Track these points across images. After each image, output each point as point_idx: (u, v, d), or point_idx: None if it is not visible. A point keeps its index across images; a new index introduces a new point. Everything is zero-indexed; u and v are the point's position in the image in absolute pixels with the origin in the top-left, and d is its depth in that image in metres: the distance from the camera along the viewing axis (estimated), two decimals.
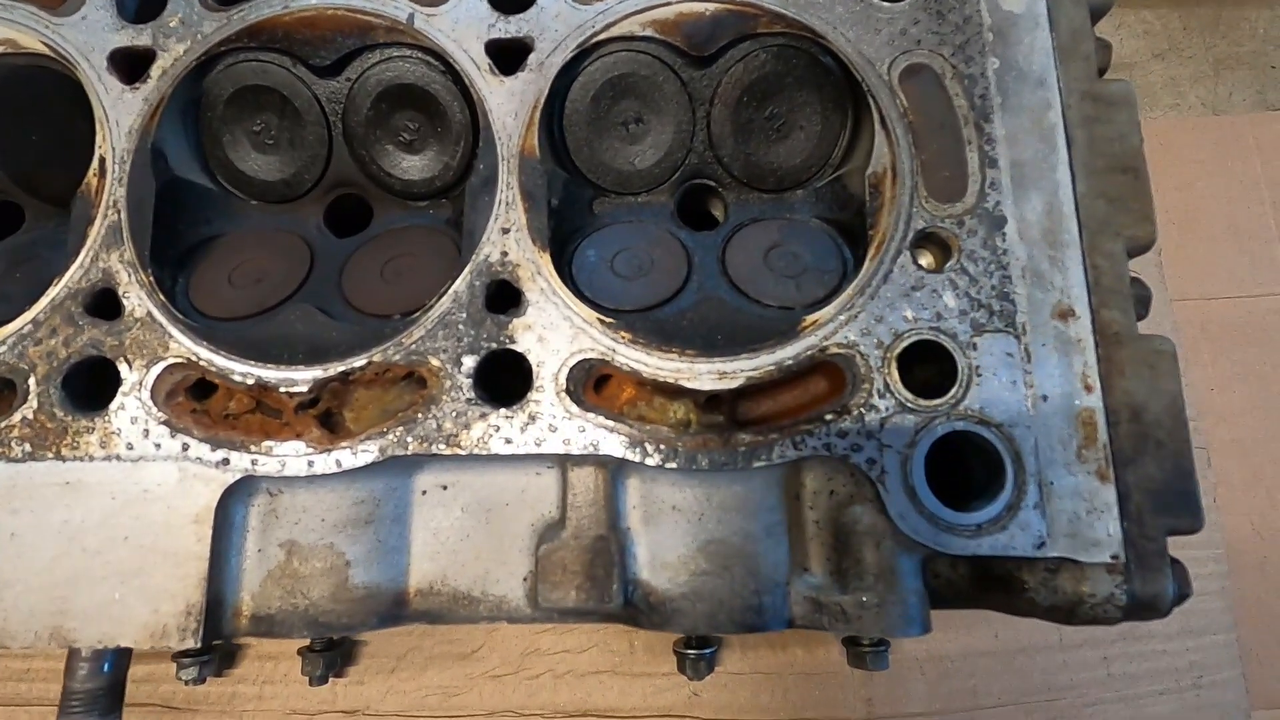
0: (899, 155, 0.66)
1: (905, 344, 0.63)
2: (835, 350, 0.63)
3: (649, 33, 0.70)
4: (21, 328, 0.65)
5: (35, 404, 0.64)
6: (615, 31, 0.69)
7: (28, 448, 0.63)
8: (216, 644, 1.11)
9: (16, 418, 0.64)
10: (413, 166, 0.75)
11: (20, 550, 0.62)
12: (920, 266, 0.65)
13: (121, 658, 0.66)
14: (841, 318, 0.63)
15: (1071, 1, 0.70)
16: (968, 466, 0.64)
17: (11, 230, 0.78)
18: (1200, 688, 1.30)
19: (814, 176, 0.74)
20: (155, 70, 0.70)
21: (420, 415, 0.63)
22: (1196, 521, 0.61)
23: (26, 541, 0.62)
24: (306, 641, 1.09)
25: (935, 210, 0.65)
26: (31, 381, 0.64)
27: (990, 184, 0.66)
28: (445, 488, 0.68)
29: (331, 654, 1.07)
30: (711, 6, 0.69)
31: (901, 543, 0.60)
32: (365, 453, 0.63)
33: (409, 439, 0.63)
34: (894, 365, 0.62)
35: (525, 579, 0.66)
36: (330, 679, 1.09)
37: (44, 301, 0.66)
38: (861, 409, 0.62)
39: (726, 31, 0.70)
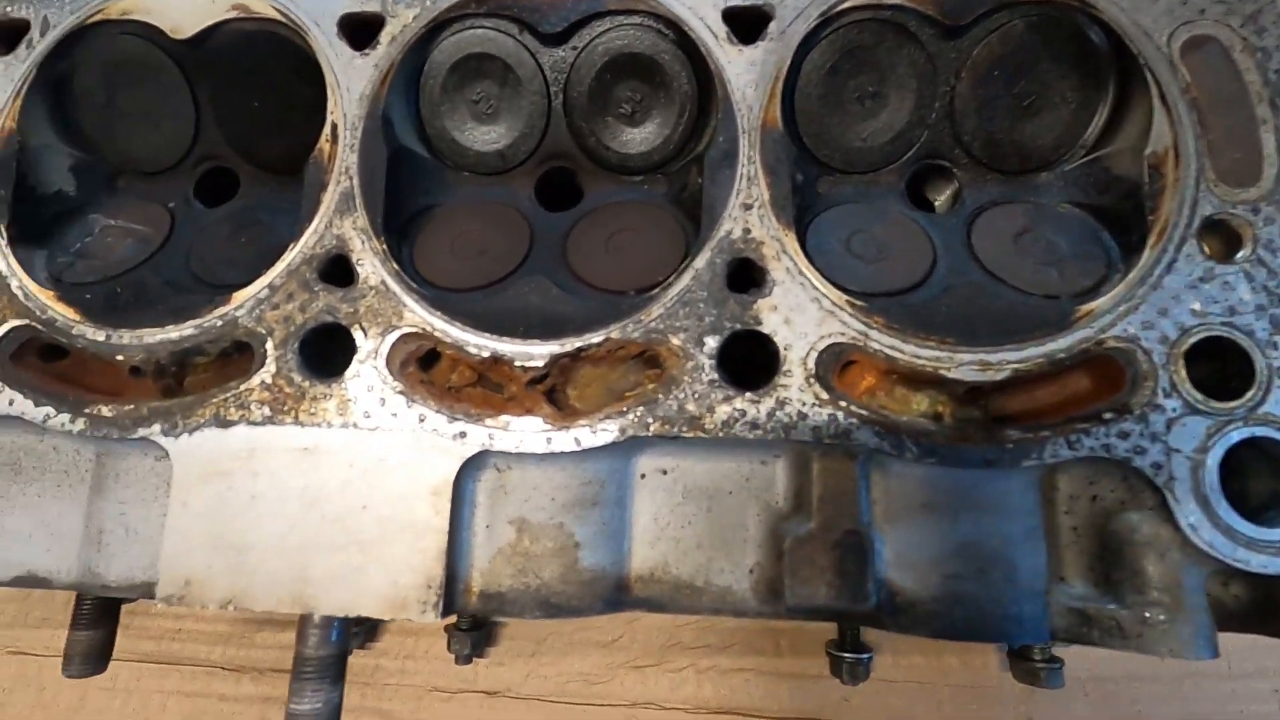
0: (1182, 134, 0.61)
1: (1194, 340, 0.57)
2: (1113, 344, 0.58)
3: (900, 1, 0.66)
4: (258, 292, 0.65)
5: (274, 368, 0.64)
6: (861, 0, 0.65)
7: (267, 411, 0.63)
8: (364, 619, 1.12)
9: (255, 381, 0.64)
10: (631, 140, 0.72)
11: (261, 514, 0.62)
12: (1209, 255, 0.59)
13: (347, 627, 0.66)
14: (1121, 309, 0.58)
15: None
16: (1243, 477, 0.59)
17: (226, 196, 0.78)
18: None
19: (1063, 158, 0.68)
20: (385, 36, 0.69)
21: (661, 396, 0.61)
22: None
23: (268, 505, 0.62)
24: (452, 619, 1.10)
25: (1226, 195, 0.60)
26: (269, 345, 0.64)
27: None
28: (665, 472, 0.66)
29: (479, 633, 1.07)
30: None
31: (1190, 556, 0.55)
32: (605, 432, 0.61)
33: (650, 420, 0.60)
34: (1182, 362, 0.57)
35: (751, 570, 0.63)
36: (473, 659, 1.09)
37: (280, 266, 0.65)
38: (1145, 409, 0.57)
39: None
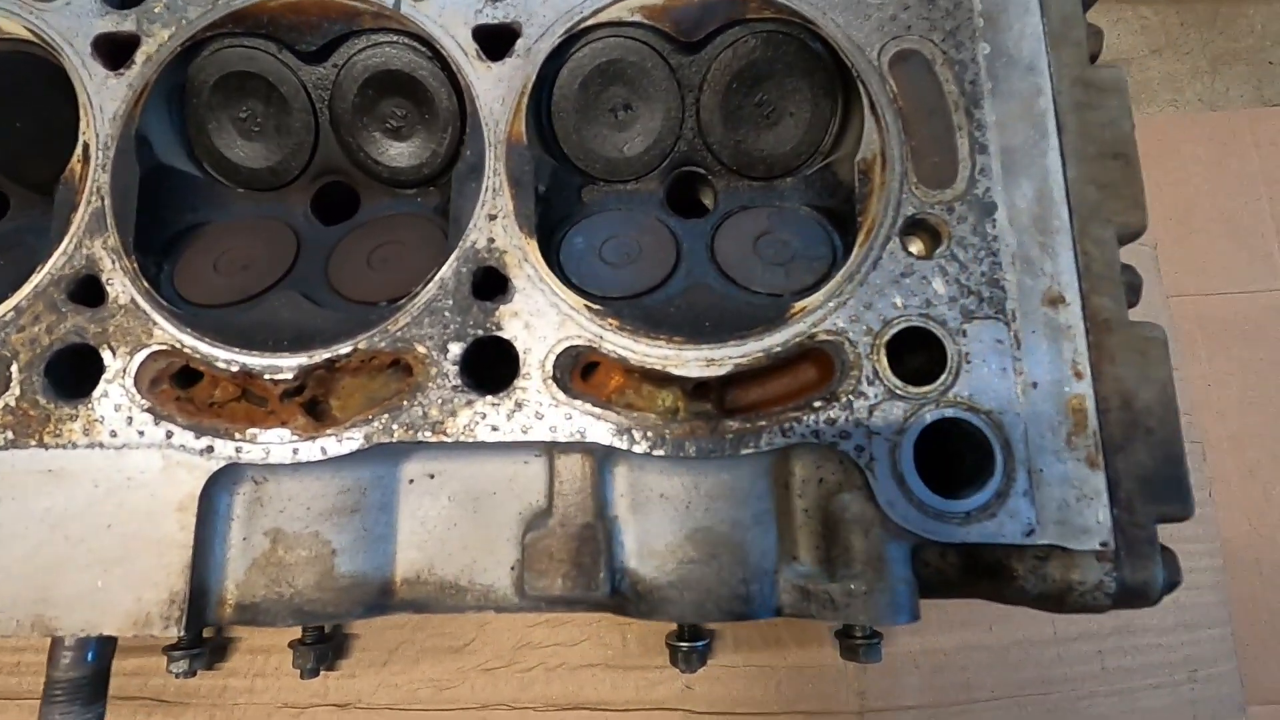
0: (889, 141, 0.66)
1: (894, 331, 0.62)
2: (824, 337, 0.62)
3: (638, 18, 0.69)
4: (4, 314, 0.65)
5: (18, 391, 0.63)
6: (604, 17, 0.69)
7: (10, 435, 0.62)
8: (207, 637, 1.10)
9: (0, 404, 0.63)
10: (400, 154, 0.74)
11: (1, 538, 0.61)
12: (910, 253, 0.64)
13: (105, 647, 0.66)
14: (830, 304, 0.63)
15: None
16: (957, 454, 0.64)
17: None
18: (1195, 682, 1.30)
19: (804, 164, 0.73)
20: (140, 56, 0.69)
21: (406, 403, 0.62)
22: (1186, 508, 0.60)
23: (8, 529, 0.61)
24: (297, 634, 1.09)
25: (925, 196, 0.65)
26: (14, 369, 0.63)
27: (980, 170, 0.65)
28: (432, 476, 0.67)
29: (323, 647, 1.06)
30: None
31: (890, 530, 0.60)
32: (350, 440, 0.62)
33: (395, 426, 0.62)
34: (883, 352, 0.62)
35: (513, 568, 0.65)
36: (321, 672, 1.09)
37: (27, 288, 0.65)
38: (850, 396, 0.61)
39: (715, 17, 0.69)
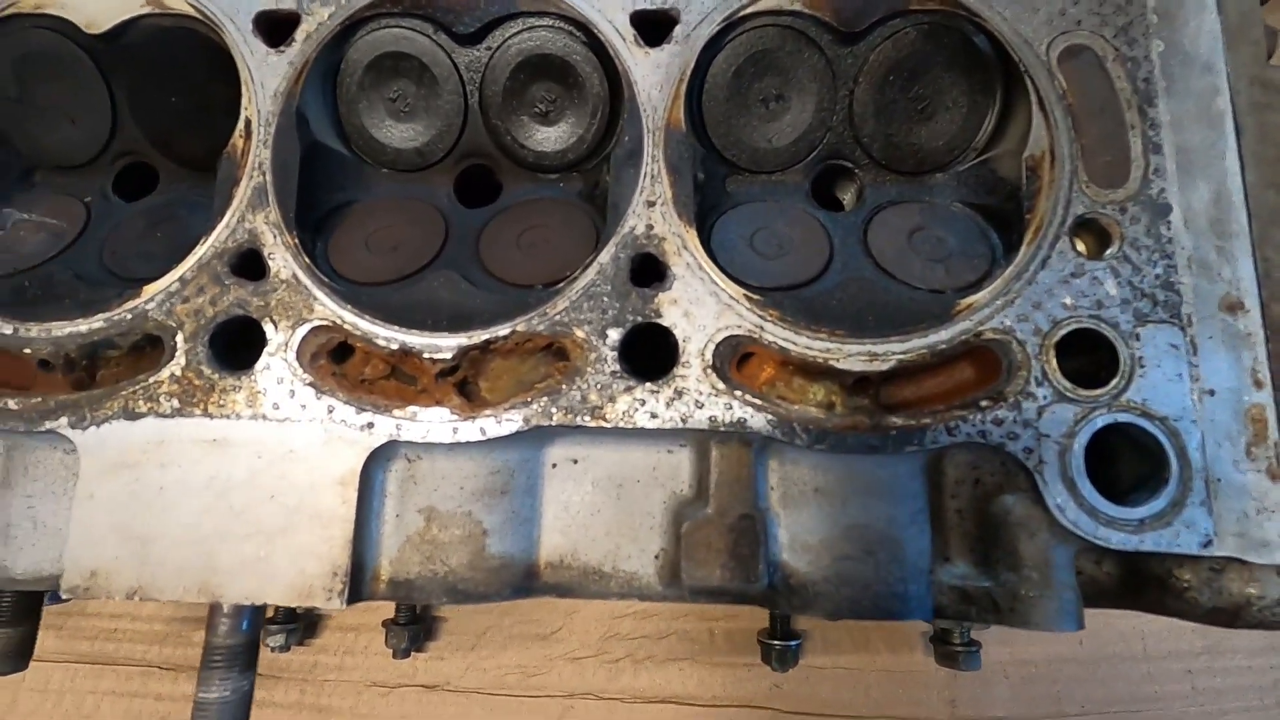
0: (1058, 138, 0.64)
1: (1064, 331, 0.61)
2: (991, 335, 0.61)
3: (798, 7, 0.68)
4: (169, 285, 0.66)
5: (183, 361, 0.64)
6: (764, 5, 0.68)
7: (176, 404, 0.64)
8: (302, 613, 1.12)
9: (165, 374, 0.64)
10: (546, 138, 0.74)
11: (168, 505, 0.62)
12: (1080, 253, 0.63)
13: (258, 616, 0.67)
14: (998, 303, 0.62)
15: None
16: (1114, 462, 0.62)
17: (145, 191, 0.79)
18: None
19: (956, 160, 0.72)
20: (300, 34, 0.70)
21: (564, 387, 0.62)
22: None
23: (174, 496, 0.62)
24: (389, 613, 1.11)
25: (1096, 196, 0.63)
26: (179, 339, 0.65)
27: (1154, 170, 0.64)
28: (576, 461, 0.67)
29: (415, 628, 1.08)
30: None
31: (1058, 535, 0.59)
32: (510, 421, 0.62)
33: (554, 410, 0.62)
34: (1053, 353, 0.61)
35: (657, 556, 0.65)
36: (411, 653, 1.10)
37: (191, 260, 0.66)
38: (1019, 396, 0.60)
39: (877, 7, 0.68)
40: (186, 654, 1.14)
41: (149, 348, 0.68)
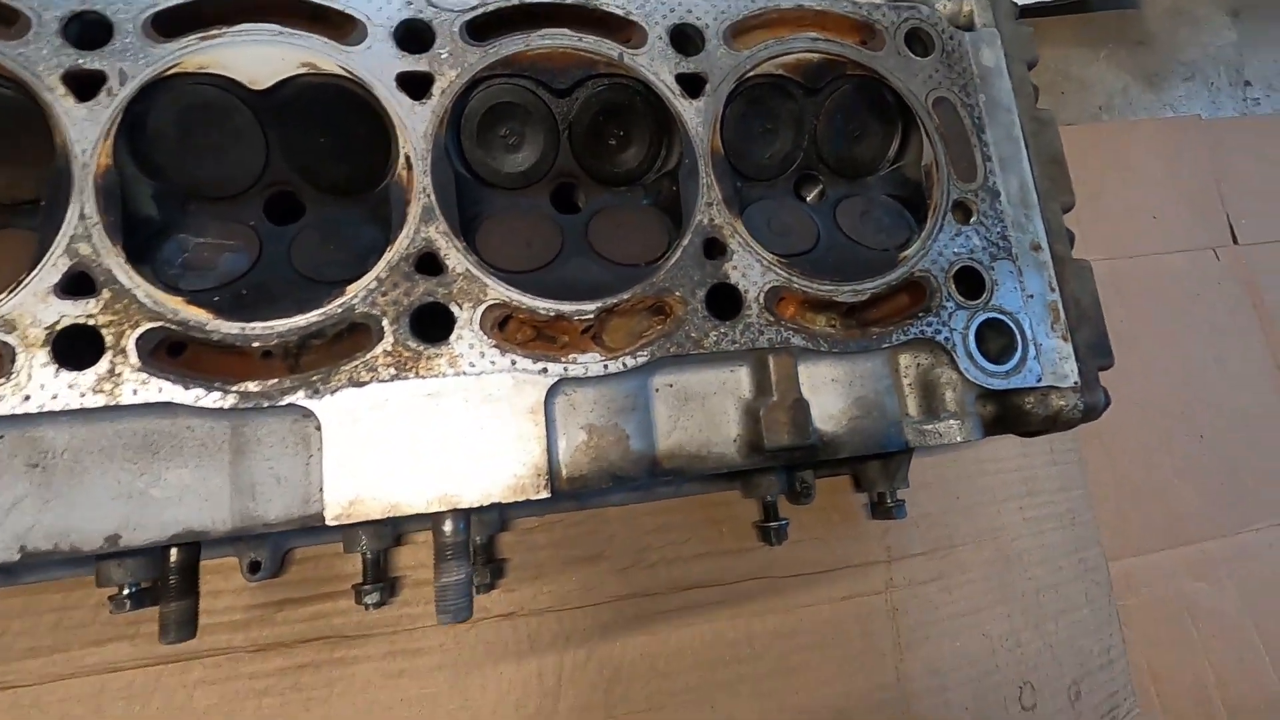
0: (938, 154, 1.07)
1: (956, 268, 1.03)
2: (919, 274, 1.02)
3: (780, 72, 1.04)
4: (369, 284, 0.86)
5: (392, 339, 0.85)
6: (759, 71, 1.03)
7: (393, 371, 0.85)
8: (388, 577, 1.29)
9: (379, 350, 0.85)
10: (620, 161, 1.03)
11: (402, 443, 0.84)
12: (957, 222, 1.05)
13: (469, 521, 0.89)
14: (920, 254, 1.02)
15: (1017, 60, 1.14)
16: (983, 340, 1.06)
17: (290, 215, 0.96)
18: (1074, 525, 1.87)
19: (879, 168, 1.13)
20: (436, 90, 0.93)
21: (673, 330, 0.93)
22: (1110, 361, 1.07)
23: (407, 439, 0.84)
24: None
25: (962, 187, 1.07)
26: (385, 323, 0.86)
27: (989, 171, 1.08)
28: (671, 385, 0.98)
29: (493, 566, 1.31)
30: (817, 56, 1.06)
31: (968, 386, 1.01)
32: (641, 356, 0.92)
33: (669, 345, 0.92)
34: (953, 282, 1.02)
35: (735, 439, 0.98)
36: (489, 590, 1.32)
37: (382, 263, 0.87)
38: (938, 308, 1.01)
39: (827, 72, 1.06)
40: (274, 632, 1.26)
41: (347, 334, 0.87)
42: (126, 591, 1.13)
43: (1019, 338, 1.03)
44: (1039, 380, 1.02)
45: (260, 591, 1.26)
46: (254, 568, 1.24)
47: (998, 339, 1.04)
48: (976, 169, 1.08)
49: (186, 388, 0.80)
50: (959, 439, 1.00)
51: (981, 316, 1.02)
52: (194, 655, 1.23)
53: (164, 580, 0.96)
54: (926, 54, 1.10)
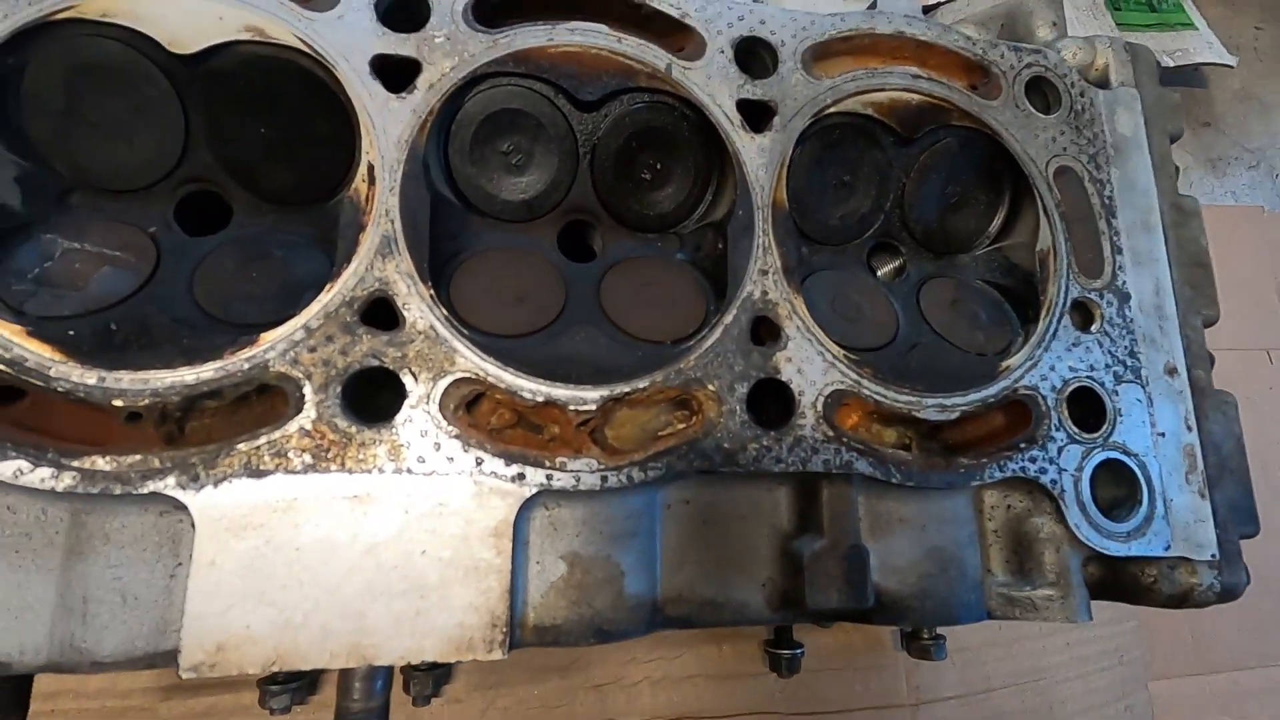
0: (1058, 237, 0.83)
1: (1072, 388, 0.79)
2: (1024, 391, 0.78)
3: (869, 112, 0.82)
4: (292, 334, 0.62)
5: (314, 414, 0.61)
6: (842, 107, 0.80)
7: (308, 459, 0.61)
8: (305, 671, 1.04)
9: (293, 427, 0.61)
10: (649, 201, 0.80)
11: (307, 566, 0.59)
12: (1075, 328, 0.82)
13: (389, 677, 0.65)
14: (1026, 365, 0.78)
15: (1159, 130, 0.92)
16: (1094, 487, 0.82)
17: (210, 223, 0.72)
18: (1123, 664, 1.62)
19: (976, 245, 0.89)
20: (422, 82, 0.70)
21: (700, 436, 0.69)
22: (1256, 529, 0.82)
23: (315, 557, 0.59)
24: None
25: (1084, 284, 0.83)
26: (308, 390, 0.62)
27: (1119, 266, 0.85)
28: (687, 502, 0.74)
29: (439, 671, 1.05)
30: (916, 98, 0.83)
31: (1075, 546, 0.76)
32: (654, 469, 0.67)
33: (693, 457, 0.68)
34: (1065, 405, 0.79)
35: (764, 584, 0.74)
36: (431, 700, 1.06)
37: (316, 307, 0.63)
38: (1045, 440, 0.77)
39: (927, 119, 0.83)
40: None
41: (255, 397, 0.63)
42: None
43: (1145, 489, 0.78)
44: (1168, 548, 0.78)
45: (142, 674, 1.01)
46: None
47: (1116, 487, 0.80)
48: (1104, 263, 0.84)
49: (4, 456, 0.56)
50: (1060, 618, 0.75)
51: (1100, 456, 0.78)
52: None
53: None
54: (1050, 110, 0.87)
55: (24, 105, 0.65)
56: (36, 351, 0.58)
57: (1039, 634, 1.46)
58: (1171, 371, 0.83)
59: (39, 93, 0.65)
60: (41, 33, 0.64)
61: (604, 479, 0.66)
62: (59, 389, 0.58)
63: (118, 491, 0.57)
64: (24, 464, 0.56)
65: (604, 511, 0.69)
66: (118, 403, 0.59)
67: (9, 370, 0.57)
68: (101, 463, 0.57)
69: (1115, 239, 0.85)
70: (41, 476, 0.56)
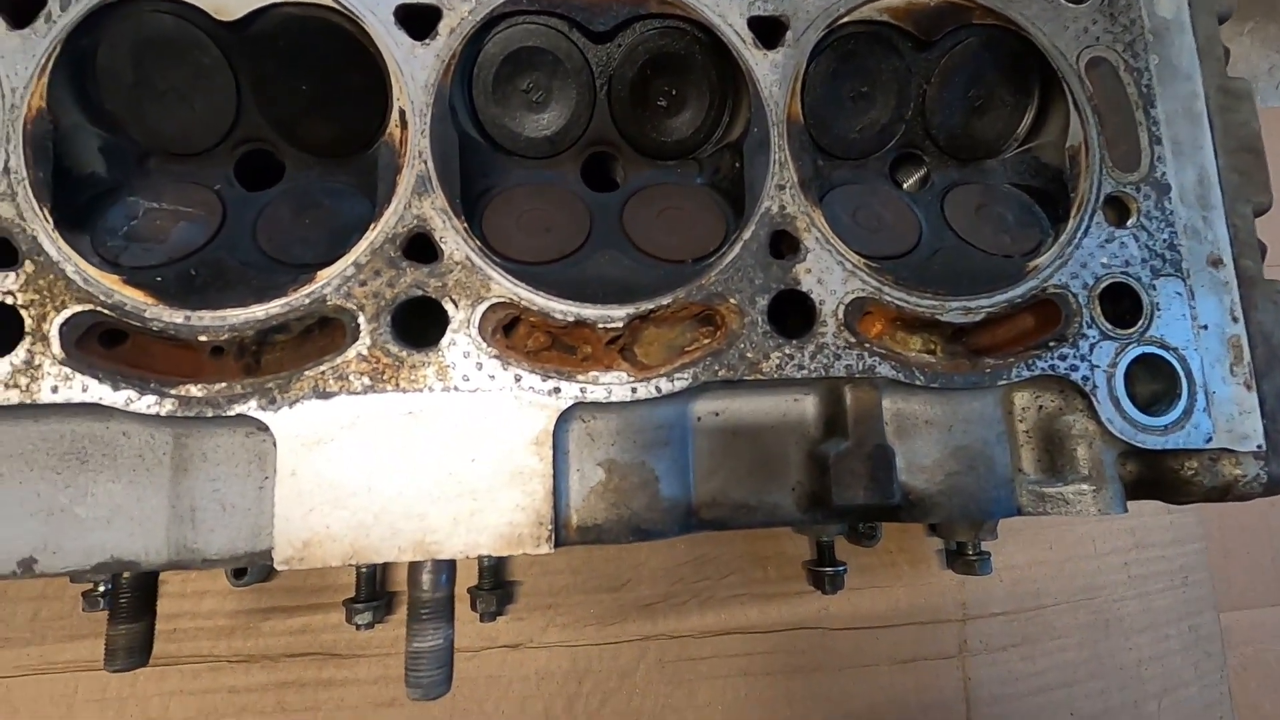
0: (1089, 132, 0.81)
1: (1104, 285, 0.78)
2: (1053, 290, 0.77)
3: (884, 18, 0.81)
4: (344, 270, 0.69)
5: (369, 341, 0.68)
6: (857, 15, 0.80)
7: (367, 381, 0.68)
8: (385, 592, 1.15)
9: (351, 354, 0.68)
10: (667, 128, 0.82)
11: (374, 473, 0.67)
12: (1110, 223, 0.80)
13: (453, 573, 0.72)
14: (1055, 264, 0.78)
15: (1205, 11, 0.86)
16: (1132, 383, 0.81)
17: (266, 178, 0.79)
18: (1187, 585, 1.58)
19: (1003, 148, 0.88)
20: (443, 28, 0.74)
21: (723, 348, 0.72)
22: None
23: (379, 465, 0.67)
24: (473, 581, 1.16)
25: (1118, 178, 0.81)
26: (361, 320, 0.68)
27: (1157, 158, 0.82)
28: (717, 414, 0.78)
29: (501, 591, 1.15)
30: None
31: (1108, 442, 0.76)
32: (681, 379, 0.72)
33: (717, 367, 0.72)
34: (1097, 302, 0.78)
35: (794, 488, 0.77)
36: (496, 618, 1.16)
37: (363, 245, 0.69)
38: (1076, 337, 0.77)
39: (947, 20, 0.82)
40: (259, 644, 1.14)
41: (318, 330, 0.71)
42: (101, 590, 1.02)
43: (1185, 382, 0.77)
44: (1209, 440, 0.77)
45: (246, 597, 1.14)
46: (239, 572, 1.12)
47: (1154, 382, 0.79)
48: (1140, 154, 0.82)
49: (116, 388, 0.65)
50: (1093, 511, 0.76)
51: (1135, 351, 0.77)
52: (173, 661, 1.12)
53: (114, 599, 0.83)
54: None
55: (100, 82, 0.73)
56: (132, 297, 0.66)
57: (1093, 554, 1.45)
58: (1216, 263, 0.81)
59: (111, 68, 0.72)
60: (107, 13, 0.71)
61: (634, 390, 0.71)
62: (154, 328, 0.66)
63: (210, 414, 0.66)
64: (132, 393, 0.65)
65: (636, 422, 0.73)
66: (202, 338, 0.67)
67: (112, 314, 0.66)
68: (194, 390, 0.66)
69: (1154, 129, 0.82)
70: (148, 403, 0.65)
